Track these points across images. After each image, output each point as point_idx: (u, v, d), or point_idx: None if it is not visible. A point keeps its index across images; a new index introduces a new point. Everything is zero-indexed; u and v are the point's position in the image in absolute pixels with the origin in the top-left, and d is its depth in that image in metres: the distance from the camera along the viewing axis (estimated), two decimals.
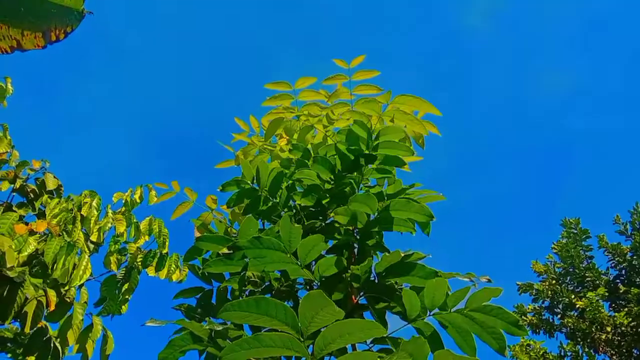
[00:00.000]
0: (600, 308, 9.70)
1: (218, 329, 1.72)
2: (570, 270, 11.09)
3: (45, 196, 3.50)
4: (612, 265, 10.82)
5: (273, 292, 2.18)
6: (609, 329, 9.46)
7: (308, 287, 2.18)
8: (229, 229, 2.63)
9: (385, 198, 2.31)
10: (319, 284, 1.99)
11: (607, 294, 10.07)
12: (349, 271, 1.98)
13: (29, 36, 1.22)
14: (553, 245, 11.56)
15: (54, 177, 3.76)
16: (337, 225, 2.22)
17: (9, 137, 3.56)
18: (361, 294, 2.00)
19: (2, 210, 3.58)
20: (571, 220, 11.52)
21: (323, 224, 2.29)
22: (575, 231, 11.41)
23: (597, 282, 10.64)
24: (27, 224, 3.09)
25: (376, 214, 2.08)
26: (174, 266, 3.49)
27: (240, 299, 1.45)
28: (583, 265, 11.00)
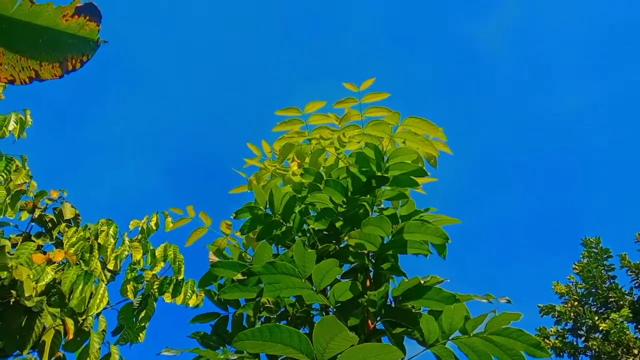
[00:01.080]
0: (625, 330, 9.44)
1: (233, 358, 1.71)
2: (593, 290, 10.86)
3: (63, 225, 3.55)
4: (636, 285, 10.57)
5: (289, 318, 2.17)
6: (635, 351, 9.19)
7: (324, 313, 2.16)
8: (243, 255, 2.62)
9: (399, 220, 2.30)
10: (334, 309, 1.97)
11: (631, 314, 9.81)
12: (365, 296, 1.96)
13: (47, 66, 1.26)
14: (574, 266, 11.35)
15: (72, 206, 3.81)
16: (351, 249, 2.21)
17: (27, 168, 3.63)
18: (378, 319, 1.97)
19: (21, 240, 3.62)
20: (591, 240, 11.33)
21: (337, 248, 2.28)
22: (596, 250, 11.20)
23: (621, 302, 10.38)
24: (45, 253, 3.12)
25: (390, 236, 2.07)
26: (190, 292, 3.49)
27: (254, 327, 1.44)
28: (605, 286, 10.76)
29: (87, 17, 1.22)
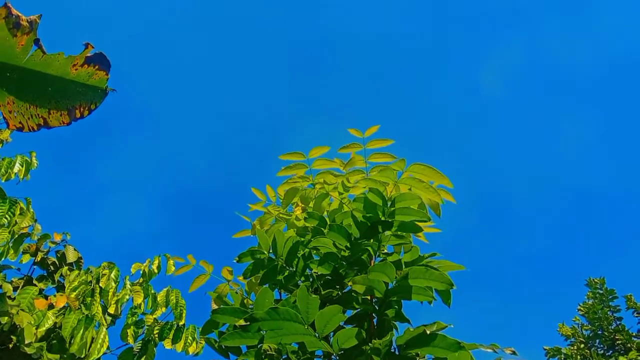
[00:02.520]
0: None
1: None
2: (599, 332, 10.62)
3: (65, 268, 3.53)
4: None
5: None
6: None
7: None
8: (245, 300, 2.60)
9: (403, 266, 2.28)
10: (338, 356, 1.93)
11: (639, 357, 9.56)
12: (370, 344, 1.92)
13: (55, 114, 1.29)
14: (579, 307, 11.15)
15: (74, 249, 3.80)
16: (354, 294, 2.19)
17: (32, 211, 3.64)
18: None
19: (22, 283, 3.60)
20: (596, 280, 11.17)
21: (340, 293, 2.26)
22: (601, 291, 11.03)
23: (629, 345, 10.13)
24: (46, 297, 3.10)
25: (395, 282, 2.05)
26: (190, 339, 3.43)
27: None
28: (612, 328, 10.53)
29: (97, 67, 1.26)
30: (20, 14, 1.30)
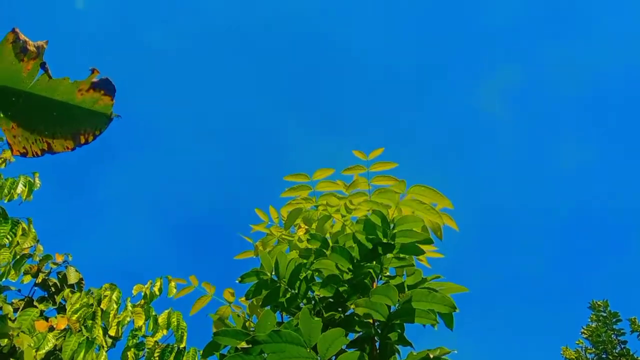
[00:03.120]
0: None
1: None
2: (603, 356, 10.48)
3: (67, 290, 3.52)
4: None
5: None
6: None
7: None
8: (247, 323, 2.58)
9: (406, 289, 2.27)
10: None
11: None
12: None
13: (59, 139, 1.30)
14: (583, 330, 11.03)
15: (76, 270, 3.79)
16: (357, 317, 2.17)
17: (33, 231, 3.64)
18: None
19: (23, 304, 3.59)
20: (599, 303, 11.06)
21: (343, 316, 2.24)
22: (605, 314, 10.91)
23: None
24: (47, 319, 3.08)
25: (397, 305, 2.04)
26: None
27: None
28: (616, 351, 10.39)
29: (102, 92, 1.27)
30: (27, 39, 1.31)
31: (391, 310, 2.06)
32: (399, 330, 2.11)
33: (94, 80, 1.28)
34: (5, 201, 3.58)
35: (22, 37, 1.29)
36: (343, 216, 2.77)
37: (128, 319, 3.46)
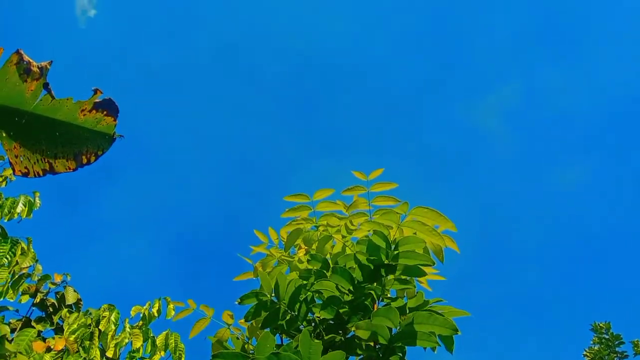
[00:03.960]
0: None
1: None
2: None
3: (65, 310, 3.49)
4: None
5: None
6: None
7: None
8: (246, 346, 2.55)
9: (407, 311, 2.25)
10: None
11: None
12: None
13: (61, 160, 1.30)
14: (585, 352, 10.89)
15: (74, 290, 3.77)
16: (358, 340, 2.15)
17: (32, 251, 3.63)
18: None
19: (20, 325, 3.55)
20: (601, 325, 10.95)
21: (343, 339, 2.22)
22: (607, 336, 10.80)
23: None
24: (45, 339, 3.05)
25: (399, 328, 2.01)
26: None
27: None
28: None
29: (105, 112, 1.28)
30: (31, 60, 1.32)
31: (392, 333, 2.04)
32: (400, 354, 2.08)
33: (97, 100, 1.29)
34: (5, 220, 3.57)
35: (26, 58, 1.30)
36: (343, 237, 2.76)
37: (126, 340, 3.43)
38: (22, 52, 1.30)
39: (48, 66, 1.32)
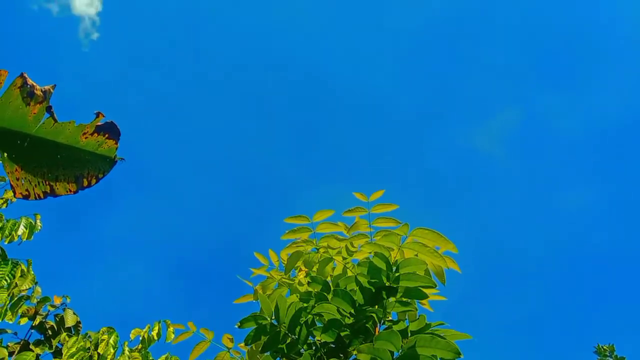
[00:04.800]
0: None
1: None
2: None
3: (64, 334, 3.46)
4: None
5: None
6: None
7: None
8: None
9: (409, 334, 2.23)
10: None
11: None
12: None
13: (62, 182, 1.30)
14: None
15: (74, 313, 3.74)
16: None
17: (32, 273, 3.61)
18: None
19: (19, 348, 3.52)
20: (605, 347, 10.82)
21: None
22: (611, 358, 10.65)
23: None
24: None
25: (401, 351, 1.99)
26: None
27: None
28: None
29: (106, 135, 1.28)
30: (34, 84, 1.34)
31: (395, 357, 2.01)
32: None
33: (99, 123, 1.30)
34: (6, 242, 3.56)
35: (30, 81, 1.31)
36: (344, 258, 2.75)
37: None
38: (26, 76, 1.32)
39: (51, 90, 1.33)
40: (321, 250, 2.81)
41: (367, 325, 2.24)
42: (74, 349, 3.08)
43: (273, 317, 2.35)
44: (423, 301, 2.59)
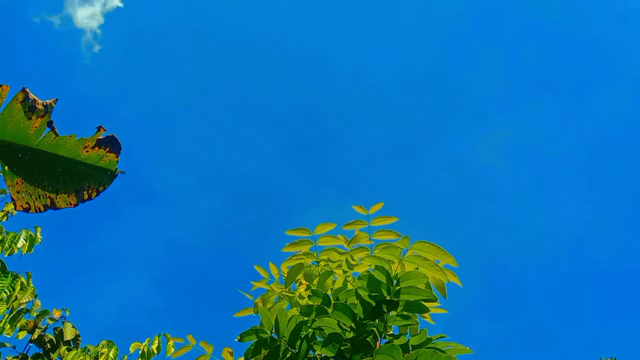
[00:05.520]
0: None
1: None
2: None
3: (63, 348, 3.44)
4: None
5: None
6: None
7: None
8: None
9: (410, 349, 2.21)
10: None
11: None
12: None
13: (63, 195, 1.30)
14: None
15: (73, 326, 3.72)
16: None
17: (32, 286, 3.60)
18: None
19: None
20: None
21: None
22: None
23: None
24: None
25: None
26: None
27: None
28: None
29: (107, 149, 1.29)
30: (36, 98, 1.35)
31: None
32: None
33: (100, 137, 1.30)
34: (6, 255, 3.55)
35: (32, 96, 1.32)
36: (345, 272, 2.74)
37: None
38: (28, 90, 1.33)
39: (53, 104, 1.34)
40: (322, 263, 2.80)
41: (367, 339, 2.23)
42: None
43: (273, 331, 2.34)
44: (424, 314, 2.58)
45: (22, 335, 3.71)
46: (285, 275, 2.86)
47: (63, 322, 3.72)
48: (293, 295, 2.84)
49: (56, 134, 1.32)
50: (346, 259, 2.71)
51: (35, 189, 1.31)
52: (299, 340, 2.31)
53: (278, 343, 2.32)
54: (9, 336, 3.56)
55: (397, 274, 2.29)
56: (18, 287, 3.39)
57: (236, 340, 2.41)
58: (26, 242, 3.61)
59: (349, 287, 2.69)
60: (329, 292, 2.67)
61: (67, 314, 3.79)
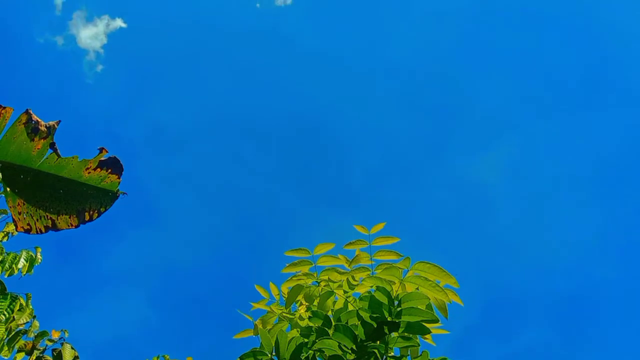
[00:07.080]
0: None
1: None
2: None
3: None
4: None
5: None
6: None
7: None
8: None
9: None
10: None
11: None
12: None
13: (64, 216, 1.31)
14: None
15: (72, 347, 3.69)
16: None
17: (30, 307, 3.58)
18: None
19: None
20: None
21: None
22: None
23: None
24: None
25: None
26: None
27: None
28: None
29: (109, 170, 1.30)
30: (39, 120, 1.36)
31: None
32: None
33: (102, 158, 1.31)
34: (5, 276, 3.54)
35: (35, 117, 1.34)
36: (345, 292, 2.73)
37: None
38: (31, 112, 1.34)
39: (56, 125, 1.35)
40: (322, 283, 2.79)
41: None
42: None
43: (273, 353, 2.32)
44: (426, 335, 2.56)
45: (20, 357, 3.67)
46: (286, 296, 2.84)
47: (62, 344, 3.69)
48: (293, 317, 2.82)
49: (59, 156, 1.33)
50: (347, 279, 2.70)
51: (36, 210, 1.32)
52: None
53: None
54: (6, 358, 3.53)
55: (398, 295, 2.28)
56: (17, 309, 3.38)
57: None
58: (26, 262, 3.60)
59: (350, 307, 2.67)
60: (329, 313, 2.65)
61: (66, 335, 3.76)
